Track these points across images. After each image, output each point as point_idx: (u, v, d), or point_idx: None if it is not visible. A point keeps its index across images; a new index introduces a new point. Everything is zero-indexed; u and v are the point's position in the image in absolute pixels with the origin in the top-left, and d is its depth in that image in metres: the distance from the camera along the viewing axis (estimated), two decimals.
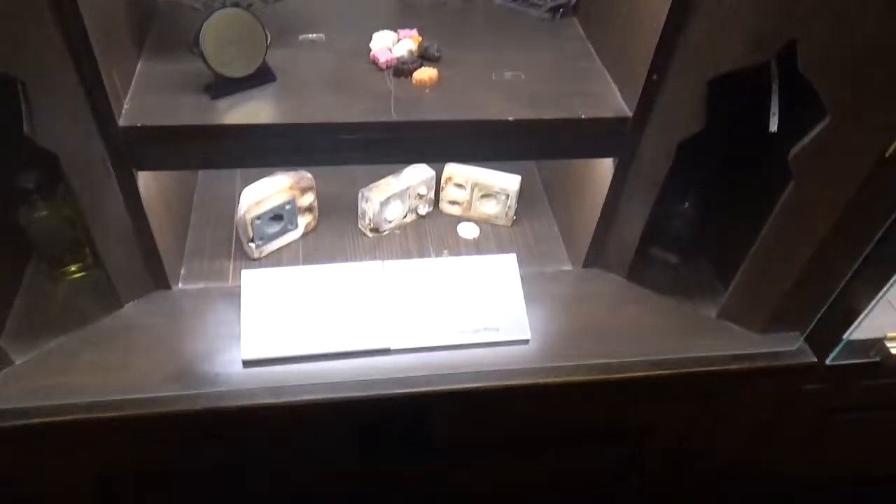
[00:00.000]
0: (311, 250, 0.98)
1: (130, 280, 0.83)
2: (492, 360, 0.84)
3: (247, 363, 0.80)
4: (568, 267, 0.98)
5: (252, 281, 0.84)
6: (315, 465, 0.91)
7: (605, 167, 0.86)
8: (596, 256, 0.94)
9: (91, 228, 0.76)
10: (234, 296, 0.87)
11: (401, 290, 0.86)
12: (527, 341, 0.85)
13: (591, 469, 1.04)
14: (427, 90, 0.80)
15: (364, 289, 0.85)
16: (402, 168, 1.00)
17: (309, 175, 0.94)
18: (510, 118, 0.77)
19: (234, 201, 1.03)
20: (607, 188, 0.85)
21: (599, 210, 0.88)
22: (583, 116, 0.78)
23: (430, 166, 1.01)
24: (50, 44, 0.61)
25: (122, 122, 0.70)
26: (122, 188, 0.74)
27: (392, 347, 0.83)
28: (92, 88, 0.66)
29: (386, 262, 0.88)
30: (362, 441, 0.87)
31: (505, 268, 0.89)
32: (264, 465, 0.89)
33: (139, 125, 0.70)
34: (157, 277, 0.85)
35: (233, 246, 0.96)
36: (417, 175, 0.99)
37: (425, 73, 0.80)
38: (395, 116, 0.75)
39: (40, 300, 0.85)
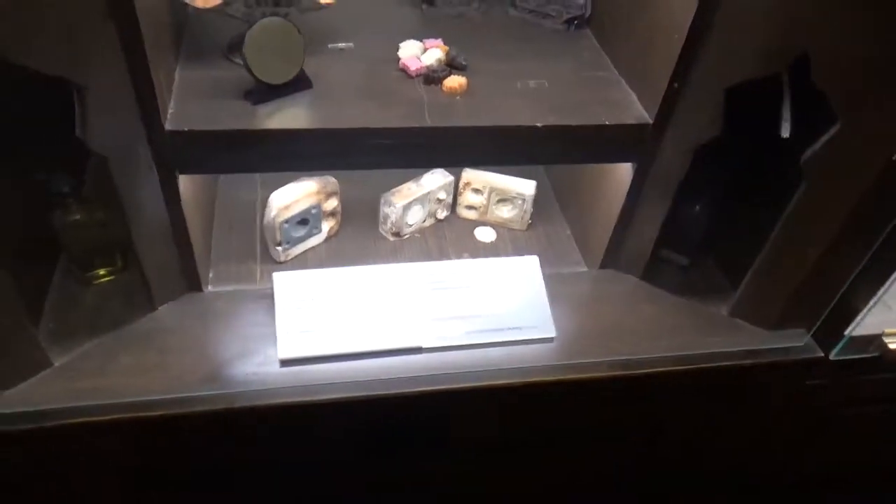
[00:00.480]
0: (333, 254, 1.00)
1: (165, 282, 0.85)
2: (520, 358, 0.87)
3: (284, 362, 0.82)
4: (583, 268, 1.02)
5: (284, 283, 0.86)
6: (346, 462, 0.93)
7: (622, 172, 0.90)
8: (611, 258, 0.98)
9: (132, 231, 0.77)
10: (263, 298, 0.89)
11: (430, 291, 0.88)
12: (552, 339, 0.89)
13: (609, 465, 1.07)
14: (458, 97, 0.83)
15: (394, 290, 0.88)
16: (422, 174, 1.03)
17: (334, 180, 0.97)
18: (539, 124, 0.80)
19: (253, 206, 1.05)
20: (625, 192, 0.89)
21: (617, 213, 0.92)
22: (607, 123, 0.82)
23: (448, 172, 1.04)
24: (109, 50, 0.63)
25: (168, 126, 0.72)
26: (164, 191, 0.76)
27: (424, 346, 0.85)
28: (143, 93, 0.67)
29: (415, 263, 0.91)
30: (394, 438, 0.89)
31: (528, 269, 0.93)
32: (295, 463, 0.90)
33: (186, 129, 0.72)
34: (190, 280, 0.87)
35: (257, 249, 0.98)
36: (437, 180, 1.02)
37: (455, 81, 0.83)
38: (430, 122, 0.78)
39: (73, 303, 0.86)
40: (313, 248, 0.99)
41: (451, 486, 1.02)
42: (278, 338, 0.82)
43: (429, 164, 0.88)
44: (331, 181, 0.96)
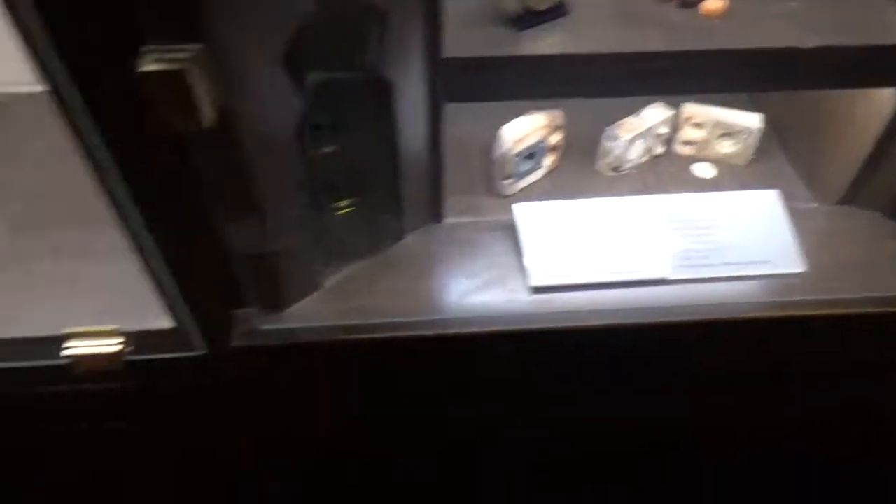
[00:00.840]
0: (553, 188, 1.00)
1: (414, 212, 0.88)
2: (767, 292, 0.85)
3: (535, 289, 0.84)
4: (813, 204, 0.98)
5: (526, 214, 0.88)
6: (585, 390, 0.95)
7: (880, 100, 0.84)
8: (853, 193, 0.93)
9: (397, 161, 0.80)
10: (499, 229, 0.91)
11: (670, 223, 0.88)
12: (799, 274, 0.86)
13: (839, 406, 1.05)
14: (716, 20, 0.80)
15: (634, 221, 0.88)
16: (642, 108, 1.01)
17: (561, 114, 0.96)
18: (809, 46, 0.76)
19: (462, 141, 1.06)
20: (885, 121, 0.84)
21: (870, 145, 0.87)
22: (884, 43, 0.77)
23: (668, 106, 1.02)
24: None
25: (445, 53, 0.73)
26: (431, 121, 0.78)
27: (668, 278, 0.85)
28: (432, 19, 0.69)
29: (653, 196, 0.90)
30: (638, 369, 0.91)
31: (768, 203, 0.90)
32: (538, 388, 0.93)
33: (461, 56, 0.73)
34: (434, 211, 0.90)
35: (480, 183, 0.99)
36: (658, 114, 1.00)
37: (714, 4, 0.80)
38: (692, 46, 0.76)
39: (326, 232, 0.90)
40: (534, 182, 1.00)
41: (687, 421, 1.02)
42: (528, 266, 0.84)
43: (683, 91, 0.86)
44: (558, 115, 0.96)
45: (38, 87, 1.13)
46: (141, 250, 0.68)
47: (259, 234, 0.71)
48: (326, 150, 0.88)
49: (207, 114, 0.55)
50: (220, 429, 0.91)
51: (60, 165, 1.01)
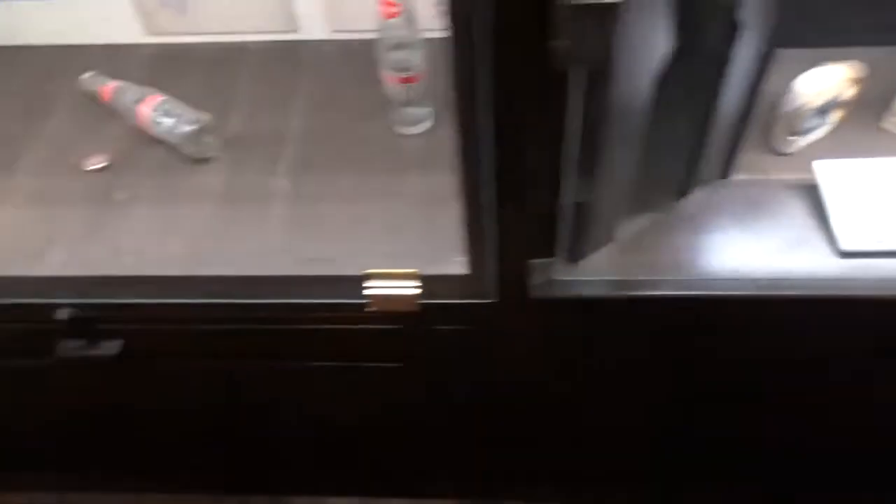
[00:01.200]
0: (835, 147, 0.92)
1: (710, 167, 0.84)
2: None
3: (844, 254, 0.78)
4: None
5: (828, 172, 0.82)
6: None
7: None
8: None
9: (712, 112, 0.75)
10: (787, 188, 0.86)
11: None
12: None
13: None
14: None
15: None
16: None
17: (863, 66, 0.88)
18: None
19: None
20: None
21: None
22: None
23: None
24: None
25: None
26: (757, 70, 0.73)
27: None
28: None
29: None
30: None
31: None
32: (822, 356, 0.88)
33: None
34: (724, 167, 0.85)
35: (752, 139, 0.93)
36: None
37: None
38: None
39: (623, 184, 0.87)
40: (816, 140, 0.93)
41: None
42: (836, 229, 0.79)
43: None
44: (861, 67, 0.88)
45: (293, 36, 1.14)
46: (474, 194, 0.68)
47: (586, 183, 0.70)
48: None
49: (609, 53, 0.53)
50: (496, 376, 0.92)
51: (327, 112, 1.03)
